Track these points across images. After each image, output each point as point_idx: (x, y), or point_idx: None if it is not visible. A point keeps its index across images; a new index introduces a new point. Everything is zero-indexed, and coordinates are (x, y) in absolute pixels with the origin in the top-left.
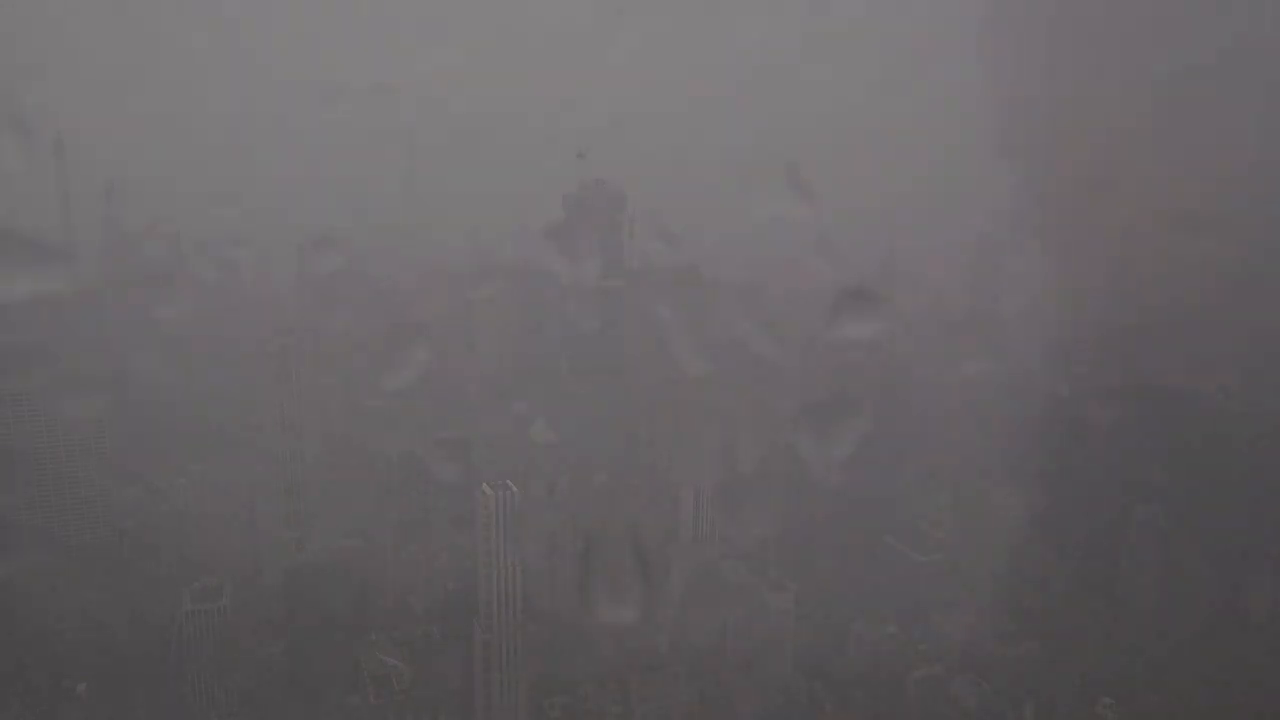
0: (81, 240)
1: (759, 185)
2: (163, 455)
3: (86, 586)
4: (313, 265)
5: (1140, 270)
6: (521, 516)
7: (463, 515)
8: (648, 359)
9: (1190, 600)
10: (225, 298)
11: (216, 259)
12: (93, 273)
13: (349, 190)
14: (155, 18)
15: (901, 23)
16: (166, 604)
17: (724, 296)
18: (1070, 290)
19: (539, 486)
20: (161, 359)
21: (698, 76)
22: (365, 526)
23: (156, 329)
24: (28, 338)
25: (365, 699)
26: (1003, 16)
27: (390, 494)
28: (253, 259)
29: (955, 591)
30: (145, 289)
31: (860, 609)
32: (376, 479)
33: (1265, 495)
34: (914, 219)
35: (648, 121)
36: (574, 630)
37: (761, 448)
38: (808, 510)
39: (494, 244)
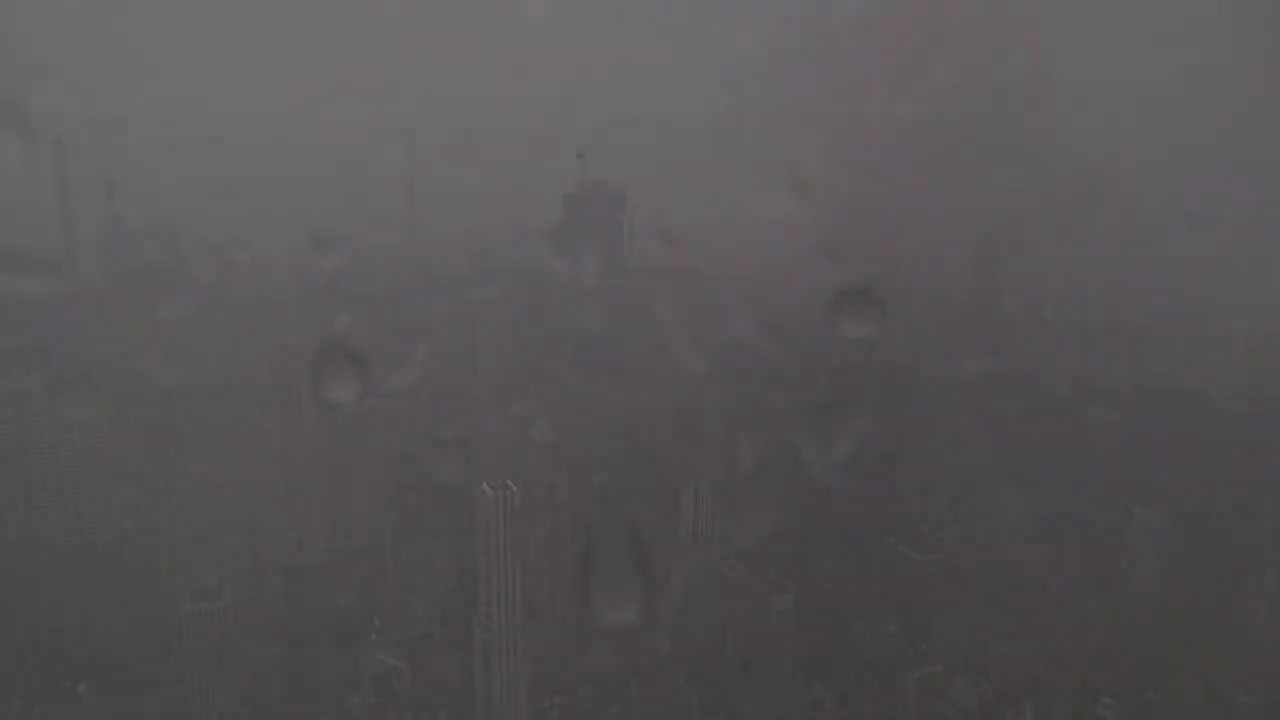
0: (81, 240)
1: (759, 185)
2: (163, 455)
3: (86, 587)
4: (313, 265)
5: (1140, 270)
6: (521, 516)
7: (463, 515)
8: (648, 359)
9: (1190, 600)
10: (225, 298)
11: (216, 259)
12: (93, 273)
13: (349, 190)
14: (156, 18)
15: (901, 23)
16: (166, 604)
17: (724, 296)
18: (1070, 290)
19: (539, 486)
20: (161, 359)
21: (698, 77)
22: (365, 526)
23: (156, 329)
24: (28, 338)
25: (365, 699)
26: (1001, 17)
27: (390, 494)
28: (253, 259)
29: (955, 591)
30: (145, 289)
31: (860, 609)
32: (376, 479)
33: (1265, 495)
34: (914, 219)
35: (648, 121)
36: (574, 630)
37: (761, 448)
38: (807, 510)
39: (494, 244)
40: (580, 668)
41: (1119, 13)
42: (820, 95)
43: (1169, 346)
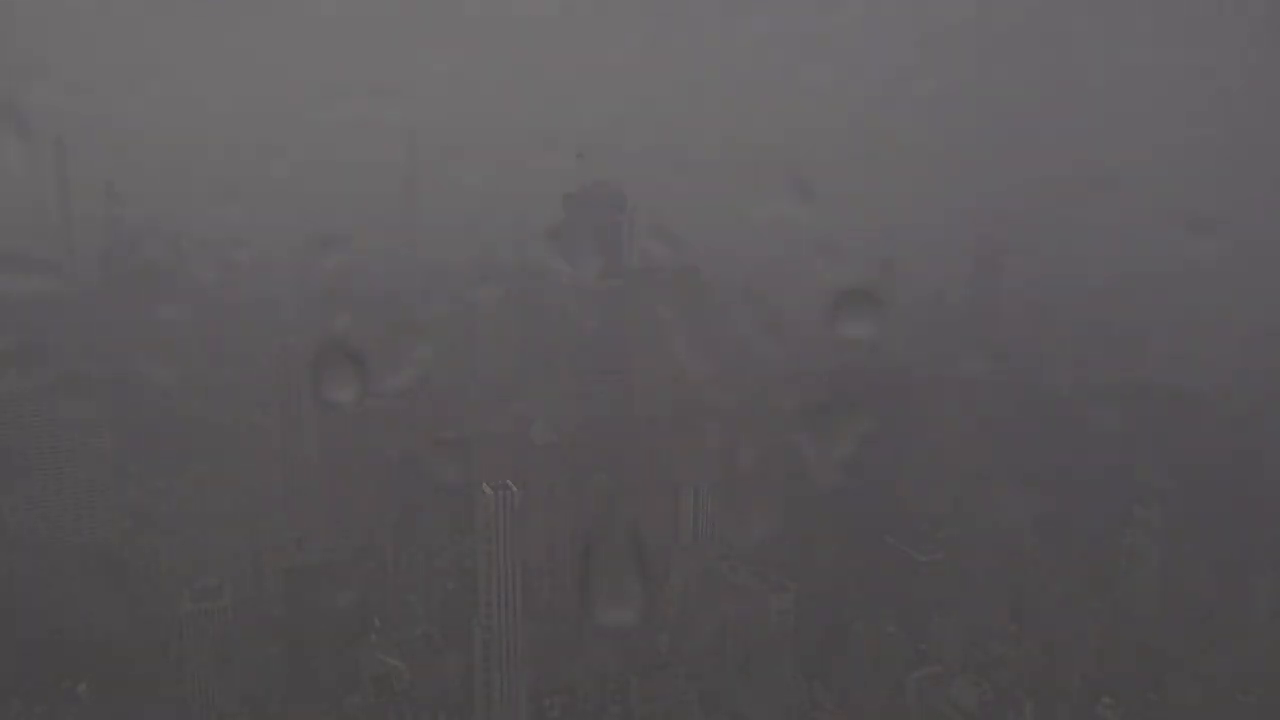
0: (81, 240)
1: (759, 185)
2: (162, 455)
3: (86, 587)
4: (313, 265)
5: (1140, 270)
6: (521, 516)
7: (463, 515)
8: (648, 359)
9: (1190, 600)
10: (225, 298)
11: (216, 259)
12: (93, 273)
13: (349, 190)
14: (156, 18)
15: (900, 24)
16: (166, 604)
17: (724, 296)
18: (1070, 290)
19: (539, 486)
20: (161, 359)
21: (698, 77)
22: (365, 526)
23: (156, 329)
24: (28, 338)
25: (365, 699)
26: (1000, 19)
27: (390, 494)
28: (253, 259)
29: (955, 591)
30: (145, 289)
31: (860, 609)
32: (376, 479)
33: (1265, 495)
34: (914, 219)
35: (648, 121)
36: (574, 630)
37: (761, 448)
38: (808, 510)
39: (494, 244)
40: (580, 668)
41: (1120, 13)
42: (820, 95)
43: (1169, 346)
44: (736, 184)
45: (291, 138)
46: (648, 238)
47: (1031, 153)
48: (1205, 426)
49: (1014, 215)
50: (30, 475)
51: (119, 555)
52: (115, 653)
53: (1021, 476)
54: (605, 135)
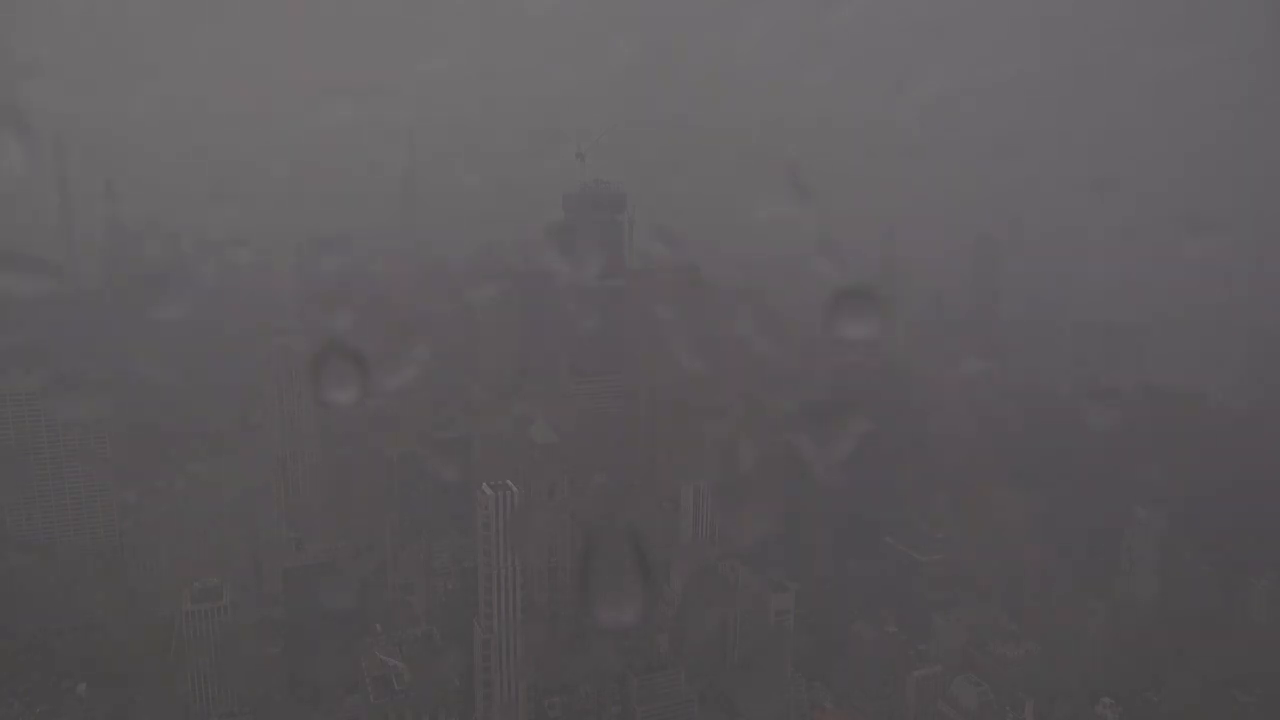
0: (81, 240)
1: (759, 185)
2: (162, 455)
3: (86, 587)
4: (313, 265)
5: (1140, 270)
6: (521, 516)
7: (463, 515)
8: (648, 359)
9: (1190, 600)
10: (225, 298)
11: (216, 259)
12: (93, 273)
13: (349, 190)
14: (155, 18)
15: (901, 25)
16: (166, 604)
17: (724, 297)
18: (1070, 290)
19: (539, 486)
20: (161, 359)
21: (697, 78)
22: (365, 526)
23: (156, 329)
24: (28, 338)
25: (365, 699)
26: (999, 18)
27: (390, 494)
28: (253, 259)
29: (955, 591)
30: (145, 289)
31: (860, 609)
32: (376, 479)
33: (1265, 495)
34: (914, 219)
35: (647, 121)
36: (574, 630)
37: (761, 447)
38: (808, 510)
39: (494, 244)
40: (580, 668)
41: (1119, 11)
42: (820, 95)
43: (1169, 346)
44: (736, 184)
45: (291, 137)
46: (648, 238)
47: (1032, 152)
48: (1205, 427)
49: (1014, 215)
50: (30, 475)
51: (119, 555)
52: (115, 653)
53: (1021, 476)
54: (605, 135)
